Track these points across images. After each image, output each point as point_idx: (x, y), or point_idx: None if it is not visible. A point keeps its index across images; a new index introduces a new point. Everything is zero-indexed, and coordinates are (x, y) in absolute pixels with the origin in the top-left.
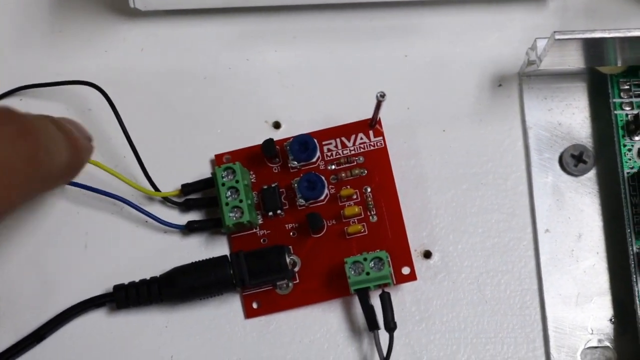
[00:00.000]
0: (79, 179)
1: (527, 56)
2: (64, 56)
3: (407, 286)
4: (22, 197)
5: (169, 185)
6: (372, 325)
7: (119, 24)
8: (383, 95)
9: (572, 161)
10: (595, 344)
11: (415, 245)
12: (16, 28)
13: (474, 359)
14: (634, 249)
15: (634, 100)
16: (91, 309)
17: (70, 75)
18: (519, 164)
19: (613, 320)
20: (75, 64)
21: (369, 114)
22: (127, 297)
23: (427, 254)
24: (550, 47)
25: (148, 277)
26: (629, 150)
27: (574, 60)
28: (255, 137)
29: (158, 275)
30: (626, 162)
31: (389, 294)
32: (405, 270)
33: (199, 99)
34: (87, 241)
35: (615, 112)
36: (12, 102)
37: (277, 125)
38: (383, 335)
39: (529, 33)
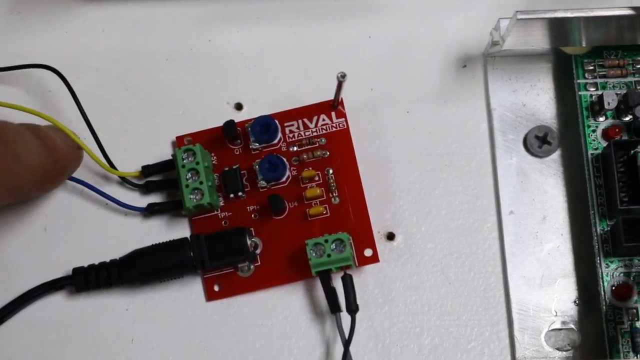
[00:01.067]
0: None
1: (491, 37)
2: (24, 38)
3: (369, 268)
4: None
5: (130, 166)
6: (334, 308)
7: (79, 5)
8: (344, 76)
9: (537, 142)
10: (559, 326)
11: (379, 227)
12: None
13: (437, 342)
14: (598, 230)
15: (599, 81)
16: (50, 292)
17: (31, 56)
18: (484, 145)
19: (577, 302)
20: (36, 46)
21: (332, 95)
22: (86, 280)
23: (391, 236)
24: (512, 27)
25: (108, 260)
26: (593, 131)
27: (538, 40)
28: (217, 119)
29: (118, 258)
30: (590, 143)
31: (350, 276)
32: (368, 252)
33: (161, 81)
34: (46, 224)
35: (580, 92)
36: None
37: (239, 107)
38: (345, 318)
39: (494, 13)
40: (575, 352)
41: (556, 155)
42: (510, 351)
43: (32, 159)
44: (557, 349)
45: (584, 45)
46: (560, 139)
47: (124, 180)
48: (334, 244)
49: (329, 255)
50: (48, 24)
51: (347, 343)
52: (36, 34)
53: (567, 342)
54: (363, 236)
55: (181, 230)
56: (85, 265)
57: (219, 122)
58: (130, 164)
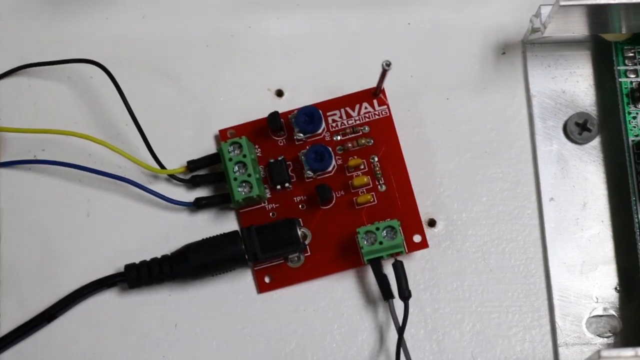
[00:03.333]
0: (83, 160)
1: (531, 23)
2: (65, 23)
3: (410, 255)
4: None
5: (173, 160)
6: (387, 294)
7: None
8: (389, 64)
9: (577, 129)
10: (600, 312)
11: (420, 214)
12: None
13: (478, 328)
14: (639, 217)
15: (639, 67)
16: (103, 289)
17: (71, 43)
18: (523, 132)
19: (618, 288)
20: (77, 32)
21: (372, 83)
22: (138, 276)
23: (432, 223)
24: (554, 14)
25: (157, 256)
26: (634, 118)
27: (578, 27)
28: (258, 107)
29: (169, 253)
30: (631, 129)
31: (401, 262)
32: (417, 238)
33: (201, 68)
34: (94, 221)
35: (620, 79)
36: (15, 82)
37: (279, 94)
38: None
39: (533, 0)
40: (616, 339)
41: (596, 142)
42: (552, 337)
43: None
44: (598, 335)
45: (624, 32)
46: (600, 125)
47: (170, 177)
48: (385, 232)
49: (380, 243)
50: (89, 9)
51: (401, 329)
52: (77, 20)
53: (608, 329)
54: (411, 222)
55: (229, 223)
56: (135, 261)
57: (260, 111)
58: (173, 157)
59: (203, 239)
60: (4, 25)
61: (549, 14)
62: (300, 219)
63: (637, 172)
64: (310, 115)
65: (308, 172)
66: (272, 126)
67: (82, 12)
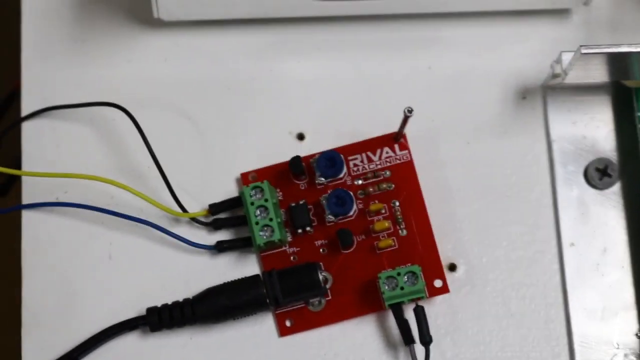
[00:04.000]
0: (105, 203)
1: (551, 69)
2: (87, 65)
3: (431, 299)
4: None
5: (194, 203)
6: (408, 339)
7: (142, 34)
8: (411, 111)
9: (597, 175)
10: (621, 358)
11: (441, 258)
12: (40, 36)
13: None
14: None
15: None
16: (124, 332)
17: (93, 85)
18: (544, 176)
19: (639, 334)
20: (98, 74)
21: (392, 126)
22: (160, 319)
23: (452, 267)
24: (576, 61)
25: (178, 298)
26: None
27: (599, 74)
28: (279, 150)
29: (191, 297)
30: None
31: (422, 307)
32: (438, 283)
33: (223, 110)
34: (116, 263)
35: None
36: (39, 124)
37: (300, 137)
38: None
39: (553, 45)
40: None
41: (617, 188)
42: None
43: None
44: None
45: None
46: (620, 171)
47: (192, 220)
48: (406, 277)
49: (402, 288)
50: (111, 52)
51: None
52: (99, 62)
53: None
54: (432, 267)
55: (251, 266)
56: (156, 304)
57: (281, 154)
58: (195, 200)
59: (225, 283)
60: (27, 67)
61: (570, 60)
62: (321, 263)
63: None
64: (331, 160)
65: (329, 216)
66: (294, 170)
67: (105, 54)
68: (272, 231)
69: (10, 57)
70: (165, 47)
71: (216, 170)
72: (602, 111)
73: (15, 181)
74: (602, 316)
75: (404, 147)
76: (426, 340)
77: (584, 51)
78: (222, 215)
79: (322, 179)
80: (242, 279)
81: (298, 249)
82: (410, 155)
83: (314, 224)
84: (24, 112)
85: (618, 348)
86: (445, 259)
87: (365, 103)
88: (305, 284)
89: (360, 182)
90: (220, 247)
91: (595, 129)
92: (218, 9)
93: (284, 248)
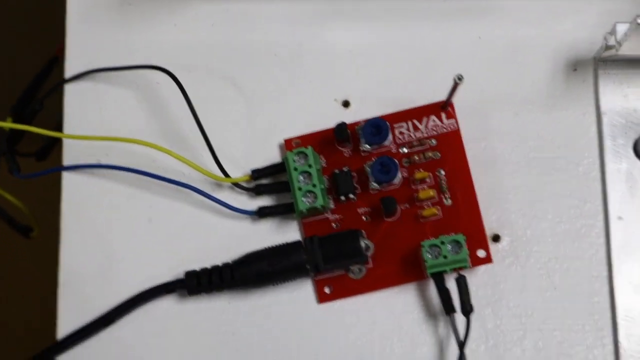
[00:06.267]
0: (147, 166)
1: (604, 41)
2: (134, 30)
3: (473, 269)
4: None
5: (236, 169)
6: (449, 309)
7: None
8: (461, 78)
9: None
10: None
11: (485, 229)
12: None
13: (540, 346)
14: None
15: None
16: (162, 294)
17: (140, 50)
18: (592, 149)
19: None
20: (145, 38)
21: (440, 95)
22: (199, 283)
23: (496, 238)
24: (632, 32)
25: (217, 263)
26: None
27: None
28: (323, 116)
29: (230, 261)
30: None
31: (465, 277)
32: (481, 253)
33: (268, 76)
34: (156, 227)
35: None
36: (82, 86)
37: (346, 104)
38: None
39: (605, 17)
40: None
41: None
42: (615, 358)
43: None
44: None
45: None
46: None
47: (234, 185)
48: (449, 246)
49: (445, 257)
50: (157, 16)
51: (462, 344)
52: (146, 27)
53: None
54: (475, 237)
55: (292, 233)
56: (195, 268)
57: (325, 121)
58: (237, 166)
59: (265, 248)
60: (72, 30)
61: (625, 31)
62: (363, 231)
63: None
64: (377, 127)
65: (373, 183)
66: (338, 137)
67: (150, 18)
68: (315, 197)
69: (55, 20)
70: (212, 12)
71: (260, 136)
72: None
73: (56, 144)
74: None
75: (451, 116)
76: (467, 310)
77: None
78: (264, 181)
79: (367, 146)
80: (283, 244)
81: (340, 216)
82: (457, 124)
83: (357, 192)
84: (68, 74)
85: None
86: (489, 230)
87: (412, 72)
88: (346, 251)
89: (405, 150)
90: (261, 213)
91: None
92: None
93: (326, 215)
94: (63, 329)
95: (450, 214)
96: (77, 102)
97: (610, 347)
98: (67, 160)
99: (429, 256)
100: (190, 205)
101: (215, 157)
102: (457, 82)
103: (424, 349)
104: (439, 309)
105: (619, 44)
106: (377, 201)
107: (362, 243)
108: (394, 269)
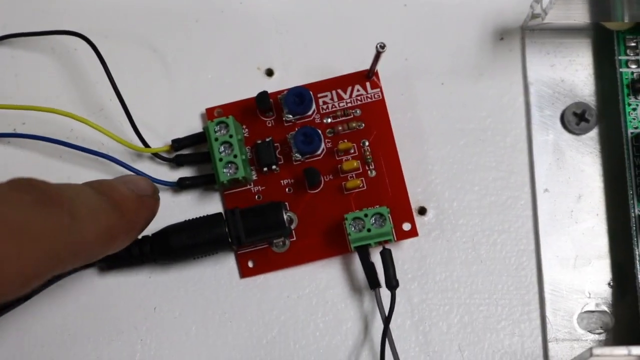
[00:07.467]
0: (64, 136)
1: (531, 9)
2: None
3: (399, 243)
4: (45, 267)
5: (156, 139)
6: (374, 283)
7: None
8: (383, 47)
9: (574, 119)
10: (592, 307)
11: (411, 201)
12: None
13: (466, 320)
14: (636, 211)
15: None
16: (80, 268)
17: (55, 13)
18: (519, 120)
19: (611, 284)
20: (62, 1)
21: (365, 64)
22: (117, 256)
23: (422, 211)
24: (556, 0)
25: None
26: (634, 109)
27: (580, 14)
28: (246, 86)
29: (150, 234)
30: (630, 121)
31: (389, 250)
32: (406, 227)
33: (190, 43)
34: None
35: (621, 69)
36: None
37: (269, 73)
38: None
39: None
40: (608, 335)
41: (594, 133)
42: (542, 332)
43: (97, 218)
44: (589, 331)
45: (626, 21)
46: (598, 116)
47: (154, 156)
48: (373, 219)
49: (369, 230)
50: None
51: (387, 319)
52: None
53: (599, 325)
54: (401, 210)
55: (213, 205)
56: None
57: (248, 90)
58: (157, 135)
59: (185, 220)
60: None
61: None
62: (286, 203)
63: (635, 165)
64: (300, 96)
65: (296, 154)
66: (260, 106)
67: None
68: (237, 168)
69: None
70: None
71: (181, 105)
72: (582, 54)
73: None
74: (575, 264)
75: (376, 85)
76: (392, 284)
77: None
78: (185, 152)
79: (290, 116)
80: (204, 216)
81: (263, 187)
82: (382, 94)
83: (280, 163)
84: None
85: (589, 297)
86: (415, 202)
87: (337, 40)
88: (269, 223)
89: (329, 120)
90: (182, 184)
91: (574, 72)
92: None
93: (248, 187)
94: None
95: (375, 186)
96: None
97: (537, 322)
98: None
99: (353, 229)
100: (109, 176)
101: (135, 126)
102: (380, 50)
103: (349, 324)
104: (364, 284)
105: (545, 12)
106: (301, 172)
107: (285, 215)
108: (318, 242)
